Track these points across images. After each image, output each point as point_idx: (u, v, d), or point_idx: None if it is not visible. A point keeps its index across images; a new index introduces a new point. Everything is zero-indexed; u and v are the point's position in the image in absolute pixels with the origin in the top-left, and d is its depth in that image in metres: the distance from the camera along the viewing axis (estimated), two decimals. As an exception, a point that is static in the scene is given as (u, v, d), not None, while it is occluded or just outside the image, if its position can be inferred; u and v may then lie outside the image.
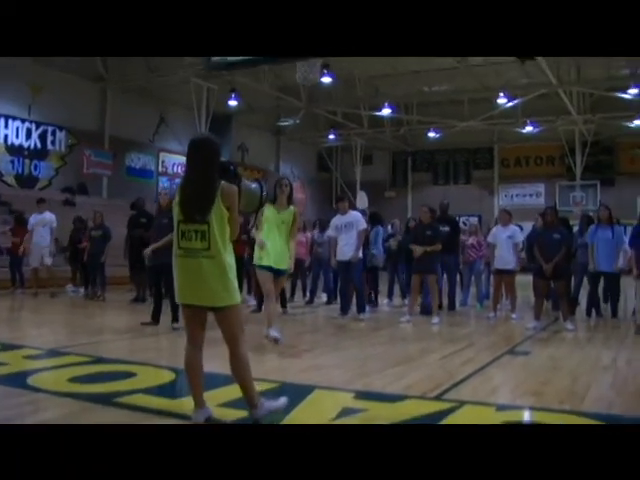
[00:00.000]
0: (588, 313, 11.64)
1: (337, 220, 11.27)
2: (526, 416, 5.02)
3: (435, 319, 10.70)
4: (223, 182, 4.40)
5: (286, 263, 8.31)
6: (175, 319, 9.50)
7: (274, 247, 8.17)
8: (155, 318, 9.82)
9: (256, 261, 8.33)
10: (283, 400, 4.66)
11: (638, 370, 7.09)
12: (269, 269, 8.19)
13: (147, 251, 9.77)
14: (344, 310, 11.33)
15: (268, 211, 8.21)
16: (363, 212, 12.15)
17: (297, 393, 5.50)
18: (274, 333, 8.04)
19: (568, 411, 5.08)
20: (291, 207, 8.36)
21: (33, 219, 14.96)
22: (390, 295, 14.20)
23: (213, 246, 4.32)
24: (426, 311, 11.53)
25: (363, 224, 11.22)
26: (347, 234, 11.04)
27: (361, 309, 11.28)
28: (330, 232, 11.47)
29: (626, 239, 11.54)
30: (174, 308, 9.56)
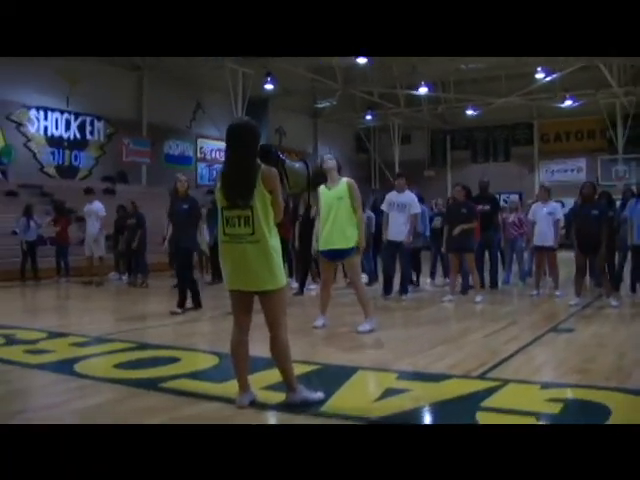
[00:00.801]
0: (633, 289, 11.47)
1: (393, 197, 11.01)
2: (571, 394, 4.99)
3: (478, 297, 10.65)
4: (263, 166, 4.41)
5: (350, 241, 7.78)
6: (180, 304, 9.57)
7: (333, 228, 7.79)
8: (181, 306, 9.74)
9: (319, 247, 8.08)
10: (320, 394, 4.68)
11: (685, 345, 7.00)
12: (329, 254, 7.94)
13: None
14: (387, 291, 11.31)
15: (321, 193, 7.97)
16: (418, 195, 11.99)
17: (340, 374, 5.54)
18: (319, 322, 8.05)
19: (614, 388, 5.04)
20: (343, 179, 7.98)
21: (86, 209, 15.20)
22: (433, 275, 14.14)
23: (257, 231, 4.35)
24: (465, 290, 11.47)
25: (417, 208, 11.02)
26: (400, 213, 10.82)
27: (404, 290, 11.27)
28: (383, 207, 11.12)
29: None
30: (180, 291, 9.64)
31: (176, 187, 10.03)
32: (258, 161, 4.43)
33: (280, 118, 30.58)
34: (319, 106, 32.32)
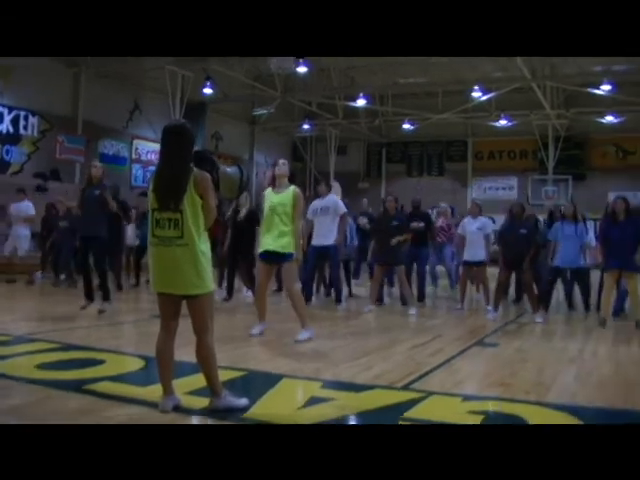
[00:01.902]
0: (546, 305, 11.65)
1: (316, 203, 11.04)
2: (491, 406, 5.09)
3: (412, 310, 10.77)
4: (195, 169, 4.42)
5: (288, 247, 7.73)
6: (105, 297, 9.44)
7: (273, 232, 7.74)
8: (89, 297, 9.60)
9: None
10: (244, 401, 4.68)
11: (602, 362, 7.21)
12: (266, 256, 7.84)
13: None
14: (307, 298, 11.01)
15: (267, 197, 7.93)
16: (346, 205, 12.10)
17: (266, 381, 5.56)
18: (257, 329, 8.02)
19: (533, 402, 5.17)
20: (291, 187, 7.89)
21: (13, 208, 14.87)
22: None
23: (186, 234, 4.35)
24: (405, 301, 11.54)
25: (342, 208, 10.98)
26: (325, 216, 10.81)
27: (338, 299, 11.33)
28: (309, 215, 11.00)
29: (588, 236, 11.71)
30: (104, 286, 9.49)
31: (90, 173, 9.71)
32: (191, 165, 4.43)
33: (218, 123, 30.41)
34: (257, 113, 32.27)
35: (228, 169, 4.99)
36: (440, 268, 14.59)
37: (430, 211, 15.36)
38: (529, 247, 10.42)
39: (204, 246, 4.46)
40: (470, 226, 11.62)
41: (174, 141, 4.45)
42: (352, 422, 4.57)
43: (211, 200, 4.47)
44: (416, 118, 32.06)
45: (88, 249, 9.58)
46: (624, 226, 9.82)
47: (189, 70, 24.50)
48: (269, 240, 7.78)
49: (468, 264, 11.66)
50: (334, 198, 11.19)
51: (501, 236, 10.83)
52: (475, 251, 11.46)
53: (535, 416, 4.72)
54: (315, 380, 5.73)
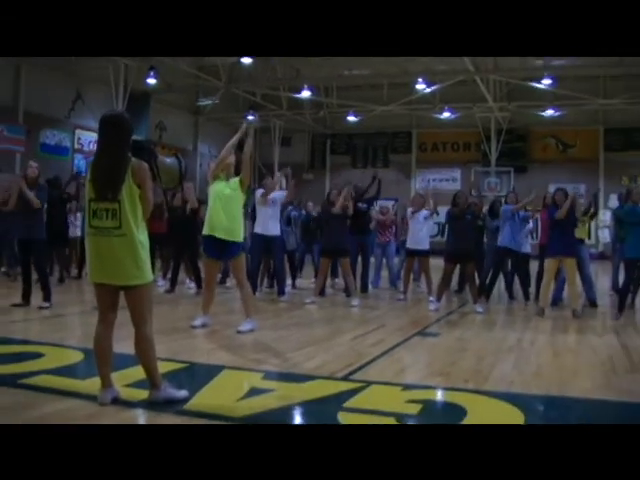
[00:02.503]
0: (487, 294, 11.88)
1: (258, 194, 11.08)
2: (430, 395, 5.16)
3: (355, 301, 10.82)
4: (133, 159, 4.38)
5: (236, 234, 7.74)
6: (46, 298, 9.33)
7: (221, 217, 7.69)
8: (26, 298, 9.43)
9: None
10: (184, 392, 4.69)
11: (540, 350, 7.34)
12: (212, 241, 7.75)
13: None
14: (254, 288, 10.88)
15: (216, 184, 7.90)
16: None
17: (206, 373, 5.57)
18: (199, 321, 7.99)
19: (472, 390, 5.26)
20: (238, 177, 7.95)
21: None
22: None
23: (124, 224, 4.31)
24: (348, 292, 11.59)
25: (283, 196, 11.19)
26: (272, 208, 10.91)
27: (281, 291, 11.32)
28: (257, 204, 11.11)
29: (530, 225, 12.01)
30: (45, 286, 9.37)
31: (26, 174, 9.48)
32: (129, 155, 4.39)
33: (161, 113, 30.07)
34: (201, 104, 32.02)
35: (167, 159, 4.97)
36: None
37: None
38: (474, 235, 10.62)
39: (142, 236, 4.43)
40: (415, 217, 11.72)
41: (112, 131, 4.41)
42: (292, 412, 4.59)
43: (149, 190, 4.44)
44: (361, 110, 32.12)
45: (28, 252, 9.44)
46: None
47: (132, 60, 24.19)
48: (218, 226, 7.71)
49: (412, 254, 11.76)
50: (280, 192, 11.33)
51: (448, 225, 10.91)
52: (419, 240, 11.59)
53: (473, 404, 4.81)
54: (256, 371, 5.75)
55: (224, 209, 7.73)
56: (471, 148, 33.37)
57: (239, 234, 7.81)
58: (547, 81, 26.10)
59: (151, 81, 25.88)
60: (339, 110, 32.90)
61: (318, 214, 13.64)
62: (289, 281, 12.99)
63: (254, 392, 4.98)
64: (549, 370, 6.31)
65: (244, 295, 7.96)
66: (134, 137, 4.58)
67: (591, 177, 31.27)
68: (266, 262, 12.35)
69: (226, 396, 4.85)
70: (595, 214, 12.79)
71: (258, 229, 10.91)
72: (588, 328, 8.99)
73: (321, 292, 11.58)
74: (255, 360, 6.29)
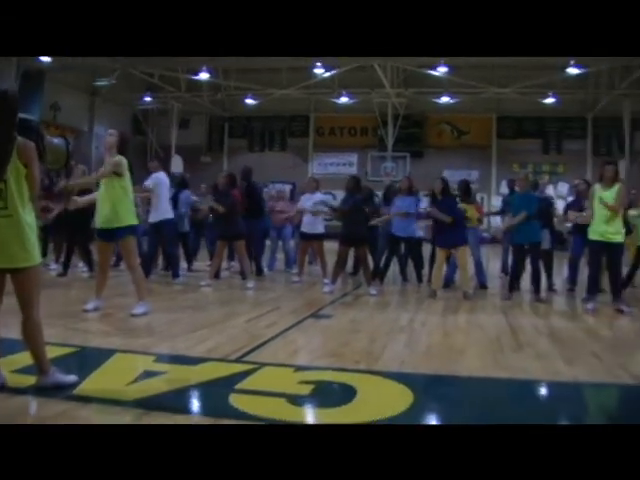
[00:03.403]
0: (381, 277, 12.10)
1: (149, 180, 11.09)
2: (322, 376, 5.20)
3: (250, 283, 10.82)
4: (19, 138, 4.24)
5: (123, 220, 7.55)
6: None
7: (107, 205, 7.52)
8: None
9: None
10: (73, 377, 4.60)
11: (431, 330, 7.50)
12: (103, 233, 7.61)
13: None
14: (147, 272, 10.84)
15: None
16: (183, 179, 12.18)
17: (97, 357, 5.47)
18: (91, 305, 7.81)
19: (363, 370, 5.35)
20: (117, 157, 7.60)
21: None
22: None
23: (10, 205, 4.17)
24: (244, 275, 11.55)
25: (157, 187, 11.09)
26: (153, 194, 10.95)
27: (175, 274, 11.22)
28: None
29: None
30: None
31: None
32: (15, 133, 4.24)
33: (56, 93, 29.14)
34: (98, 84, 31.23)
35: (55, 140, 4.84)
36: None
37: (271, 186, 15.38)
38: (366, 216, 10.79)
39: (29, 217, 4.29)
40: (308, 201, 11.78)
41: (-5, 108, 4.25)
42: (183, 395, 4.56)
43: (35, 170, 4.30)
44: (259, 93, 31.99)
45: None
46: (440, 204, 10.35)
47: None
48: (106, 216, 7.55)
49: (306, 237, 11.82)
50: (154, 175, 11.22)
51: (342, 209, 10.99)
52: (313, 225, 11.65)
53: (364, 384, 4.90)
54: (148, 354, 5.69)
55: (104, 196, 7.59)
56: (368, 133, 33.71)
57: (122, 219, 7.58)
58: (443, 69, 26.71)
59: (45, 59, 25.03)
60: (237, 93, 32.69)
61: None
62: (185, 264, 12.89)
63: (146, 375, 4.94)
64: (439, 350, 6.46)
65: (135, 278, 7.83)
66: (22, 115, 4.42)
67: (484, 163, 32.21)
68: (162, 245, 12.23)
69: (117, 380, 4.78)
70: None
71: (150, 217, 10.96)
72: (478, 309, 9.25)
73: (216, 275, 11.52)
74: (148, 343, 6.22)
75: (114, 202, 7.55)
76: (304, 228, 11.80)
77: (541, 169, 30.83)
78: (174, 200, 12.19)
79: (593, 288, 9.33)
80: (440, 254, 10.45)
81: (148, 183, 10.89)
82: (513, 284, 10.46)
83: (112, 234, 7.62)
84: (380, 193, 14.53)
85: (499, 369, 5.63)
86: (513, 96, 30.13)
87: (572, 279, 11.53)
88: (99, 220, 7.65)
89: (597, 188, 9.06)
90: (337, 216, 10.96)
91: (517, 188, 10.76)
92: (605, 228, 8.93)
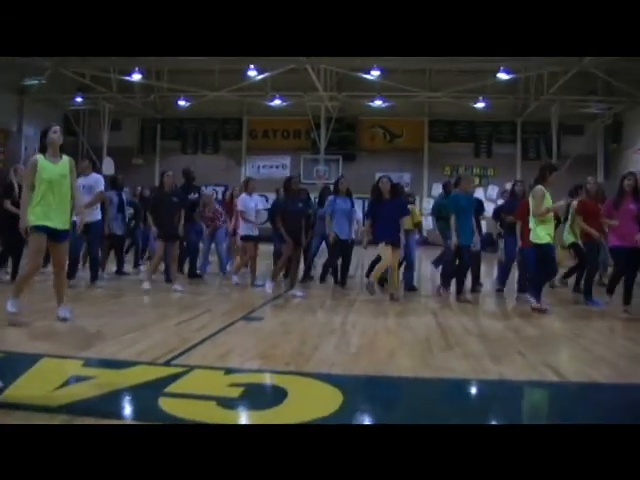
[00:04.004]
0: (342, 282, 12.15)
1: (80, 180, 10.68)
2: (252, 378, 5.20)
3: (177, 286, 10.72)
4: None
5: (67, 223, 7.33)
6: None
7: (55, 206, 7.16)
8: None
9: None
10: None
11: (361, 332, 7.56)
12: (47, 231, 7.16)
13: None
14: (71, 275, 10.49)
15: (40, 166, 7.15)
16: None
17: (23, 362, 5.35)
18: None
19: (293, 372, 5.35)
20: (65, 157, 7.36)
21: None
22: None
23: None
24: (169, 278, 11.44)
25: (101, 187, 11.09)
26: (89, 196, 10.71)
27: (94, 277, 11.00)
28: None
29: (356, 213, 12.35)
30: None
31: None
32: None
33: (-18, 94, 28.58)
34: (27, 83, 30.60)
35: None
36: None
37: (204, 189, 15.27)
38: (307, 220, 10.86)
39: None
40: (249, 202, 11.74)
41: None
42: (111, 399, 4.50)
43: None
44: (192, 95, 31.79)
45: None
46: (389, 204, 10.41)
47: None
48: (53, 216, 7.19)
49: (246, 239, 11.77)
50: (96, 177, 11.17)
51: (282, 212, 10.95)
52: (253, 227, 11.67)
53: (294, 385, 4.91)
54: (77, 359, 5.59)
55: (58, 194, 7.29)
56: (301, 136, 33.80)
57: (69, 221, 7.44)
58: (376, 72, 26.88)
59: (-32, 58, 24.46)
60: (170, 94, 32.44)
61: (147, 198, 13.55)
62: (115, 267, 12.77)
63: (74, 380, 4.86)
64: (369, 351, 6.51)
65: (59, 282, 7.64)
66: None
67: (416, 166, 32.64)
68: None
69: (44, 385, 4.69)
70: None
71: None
72: (408, 311, 9.35)
73: (168, 279, 11.42)
74: (76, 347, 6.11)
75: (66, 204, 7.38)
76: (249, 231, 11.73)
77: (472, 172, 31.29)
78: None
79: (538, 288, 9.54)
80: (386, 251, 10.44)
81: (89, 183, 10.72)
82: (448, 282, 10.66)
83: (58, 235, 7.33)
84: (313, 195, 14.62)
85: (428, 369, 5.71)
86: (445, 100, 30.63)
87: (502, 280, 11.76)
88: (52, 220, 7.26)
89: (544, 191, 9.27)
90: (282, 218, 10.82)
91: (459, 189, 10.78)
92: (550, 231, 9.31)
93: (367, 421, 4.42)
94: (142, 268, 13.98)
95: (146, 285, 10.73)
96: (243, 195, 12.11)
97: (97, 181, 11.06)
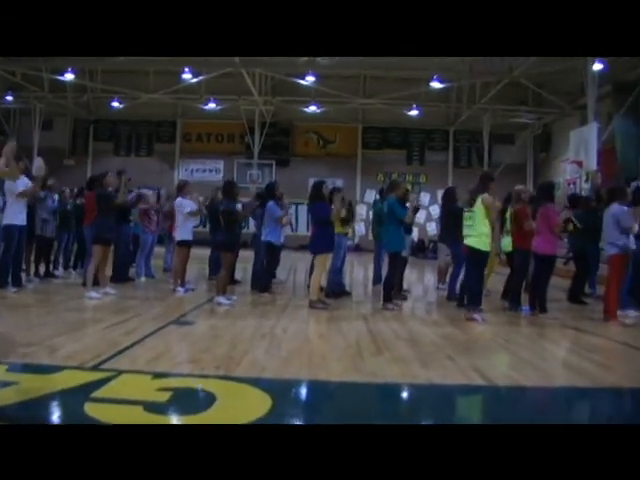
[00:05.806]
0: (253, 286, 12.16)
1: (7, 185, 10.70)
2: (181, 383, 5.17)
3: (92, 293, 10.25)
4: None
5: None
6: None
7: None
8: None
9: None
10: None
11: (292, 337, 7.60)
12: None
13: None
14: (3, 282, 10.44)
15: None
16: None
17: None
18: None
19: (222, 376, 5.35)
20: None
21: None
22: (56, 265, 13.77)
23: None
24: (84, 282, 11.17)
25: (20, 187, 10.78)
26: (11, 198, 10.58)
27: (15, 282, 10.69)
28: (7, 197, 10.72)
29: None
30: None
31: None
32: None
33: None
34: (-47, 81, 29.93)
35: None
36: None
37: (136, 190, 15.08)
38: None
39: None
40: (187, 207, 11.62)
41: None
42: (35, 405, 4.43)
43: None
44: (126, 96, 31.43)
45: None
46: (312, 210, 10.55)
47: None
48: None
49: (188, 244, 11.65)
50: (25, 180, 10.97)
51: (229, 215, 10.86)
52: (185, 231, 11.57)
53: (223, 390, 4.91)
54: (0, 364, 5.48)
55: None
56: (235, 140, 33.72)
57: None
58: (311, 78, 27.04)
59: None
60: (103, 95, 32.02)
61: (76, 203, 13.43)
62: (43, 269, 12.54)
63: (-3, 385, 4.77)
64: (300, 355, 6.53)
65: None
66: None
67: (349, 172, 32.87)
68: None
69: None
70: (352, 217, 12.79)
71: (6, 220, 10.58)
72: (340, 316, 9.40)
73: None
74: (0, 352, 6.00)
75: None
76: (187, 235, 11.61)
77: (405, 179, 31.62)
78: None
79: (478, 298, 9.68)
80: (321, 261, 10.41)
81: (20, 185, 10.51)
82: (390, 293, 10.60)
83: None
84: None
85: (358, 373, 5.77)
86: (379, 107, 30.90)
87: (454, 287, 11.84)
88: None
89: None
90: (231, 221, 10.59)
91: (393, 195, 10.75)
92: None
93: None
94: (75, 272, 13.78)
95: (94, 294, 10.35)
96: (179, 199, 11.95)
97: (25, 184, 10.88)
